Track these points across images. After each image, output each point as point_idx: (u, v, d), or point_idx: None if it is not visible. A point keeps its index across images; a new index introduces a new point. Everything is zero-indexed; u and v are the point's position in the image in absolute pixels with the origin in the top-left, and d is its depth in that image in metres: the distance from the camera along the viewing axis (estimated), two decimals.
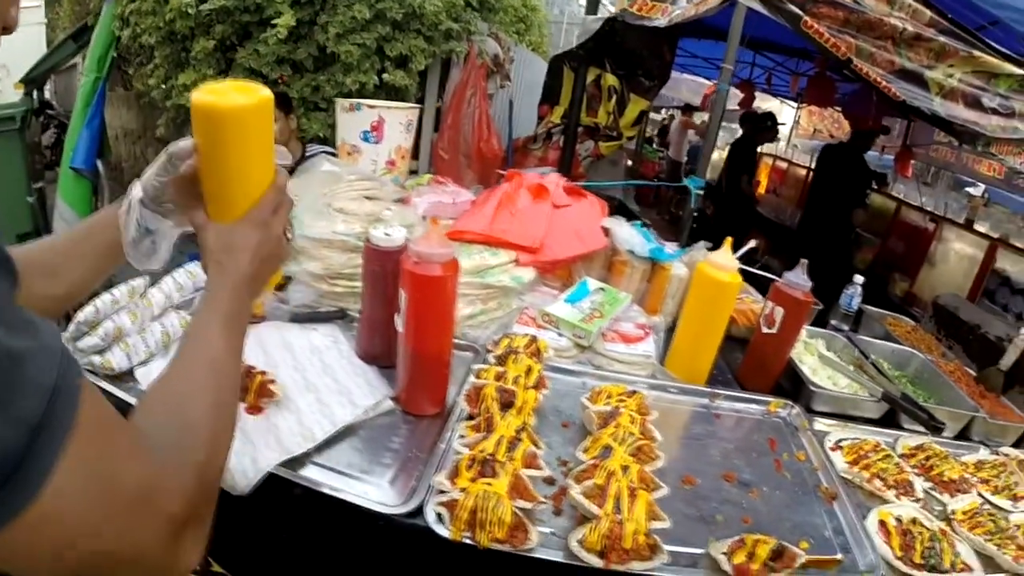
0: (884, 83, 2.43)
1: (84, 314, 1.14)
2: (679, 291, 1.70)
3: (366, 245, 1.21)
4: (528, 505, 0.89)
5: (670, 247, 1.78)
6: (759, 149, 5.61)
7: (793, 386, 1.53)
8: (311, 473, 1.01)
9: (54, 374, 0.43)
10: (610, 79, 3.69)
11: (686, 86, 7.60)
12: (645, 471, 0.99)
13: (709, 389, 1.43)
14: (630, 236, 1.71)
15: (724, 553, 0.90)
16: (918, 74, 2.46)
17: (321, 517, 1.00)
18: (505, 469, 0.92)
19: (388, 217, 1.24)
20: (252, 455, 0.99)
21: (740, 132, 5.35)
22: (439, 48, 3.21)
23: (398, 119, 1.88)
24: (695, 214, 2.64)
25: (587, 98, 3.68)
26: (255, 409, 1.09)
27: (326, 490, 0.97)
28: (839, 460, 1.29)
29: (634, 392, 1.23)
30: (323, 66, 3.17)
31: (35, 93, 4.07)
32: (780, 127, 5.62)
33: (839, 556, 0.98)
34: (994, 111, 2.53)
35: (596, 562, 0.85)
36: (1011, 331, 2.07)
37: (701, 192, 2.39)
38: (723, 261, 1.38)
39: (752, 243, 1.54)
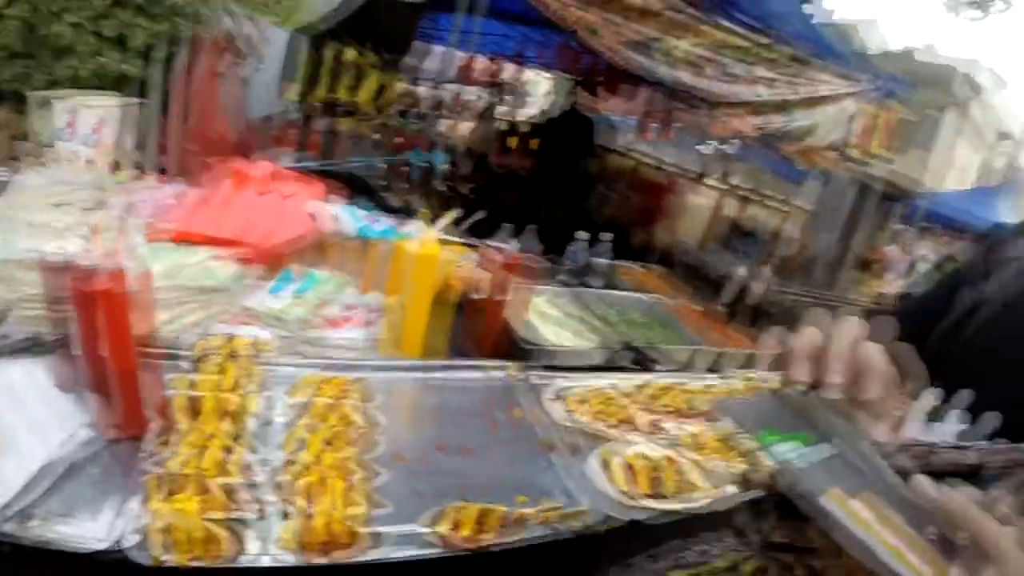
0: (609, 53, 2.64)
1: None
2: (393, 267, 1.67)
3: (41, 263, 1.10)
4: (221, 515, 0.89)
5: (386, 223, 1.79)
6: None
7: (514, 346, 1.61)
8: (12, 527, 0.91)
9: None
10: (350, 53, 3.63)
11: (440, 59, 7.65)
12: (340, 457, 1.01)
13: (422, 362, 1.45)
14: (336, 216, 1.70)
15: (428, 527, 0.94)
16: (645, 44, 2.71)
17: (41, 570, 0.95)
18: (192, 482, 0.91)
19: (76, 226, 1.13)
20: None
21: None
22: (163, 27, 2.92)
23: (98, 113, 1.71)
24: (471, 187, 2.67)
25: (326, 74, 3.59)
26: None
27: (28, 543, 0.89)
28: (559, 410, 1.37)
29: (333, 378, 1.24)
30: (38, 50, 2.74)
31: None
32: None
33: (557, 503, 1.04)
34: (719, 78, 2.91)
35: (294, 560, 0.86)
36: (732, 269, 2.35)
37: (446, 166, 2.46)
38: (422, 233, 1.44)
39: (479, 214, 1.61)
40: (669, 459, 1.23)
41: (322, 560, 0.87)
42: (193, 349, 1.27)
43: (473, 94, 6.12)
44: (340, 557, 0.88)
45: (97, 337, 1.03)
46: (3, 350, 1.27)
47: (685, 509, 1.13)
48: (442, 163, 2.43)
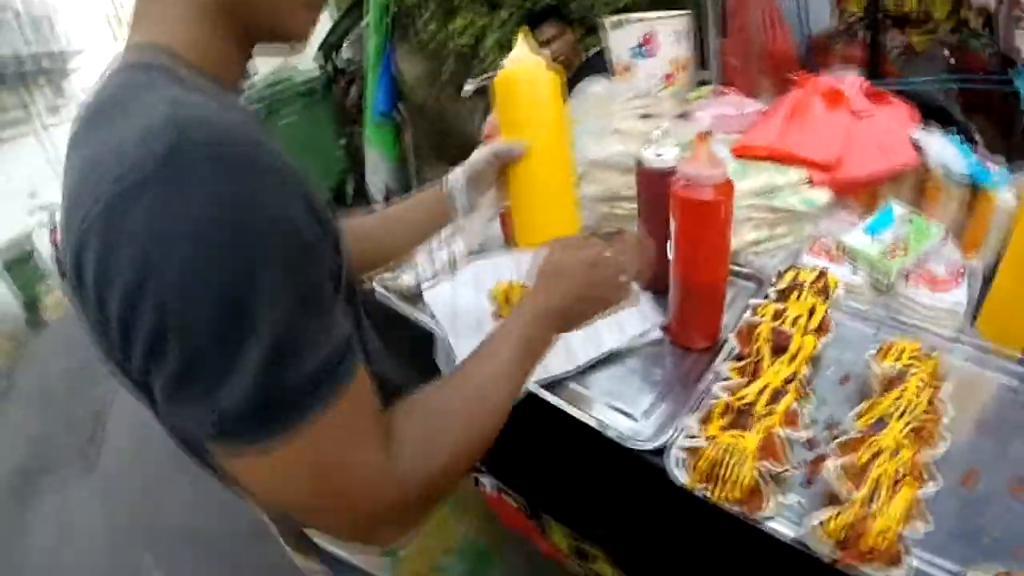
0: None
1: None
2: (1004, 226, 1.29)
3: (637, 167, 1.17)
4: (776, 469, 0.82)
5: (998, 168, 1.37)
6: None
7: None
8: (569, 396, 1.06)
9: (333, 353, 0.52)
10: None
11: None
12: (920, 457, 0.82)
13: None
14: (944, 150, 1.37)
15: None
16: None
17: (568, 438, 1.05)
18: (760, 424, 0.85)
19: (662, 135, 1.17)
20: None
21: None
22: None
23: (670, 29, 1.76)
24: None
25: None
26: None
27: (576, 414, 1.02)
28: None
29: (931, 353, 1.00)
30: None
31: (332, 60, 4.85)
32: None
33: None
34: None
35: (827, 554, 0.75)
36: None
37: None
38: None
39: None
40: None
41: (851, 566, 0.73)
42: (782, 278, 1.18)
43: None
44: (871, 572, 0.72)
45: (687, 245, 1.05)
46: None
47: None
48: None
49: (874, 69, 2.98)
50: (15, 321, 7.65)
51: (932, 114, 1.95)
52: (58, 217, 0.53)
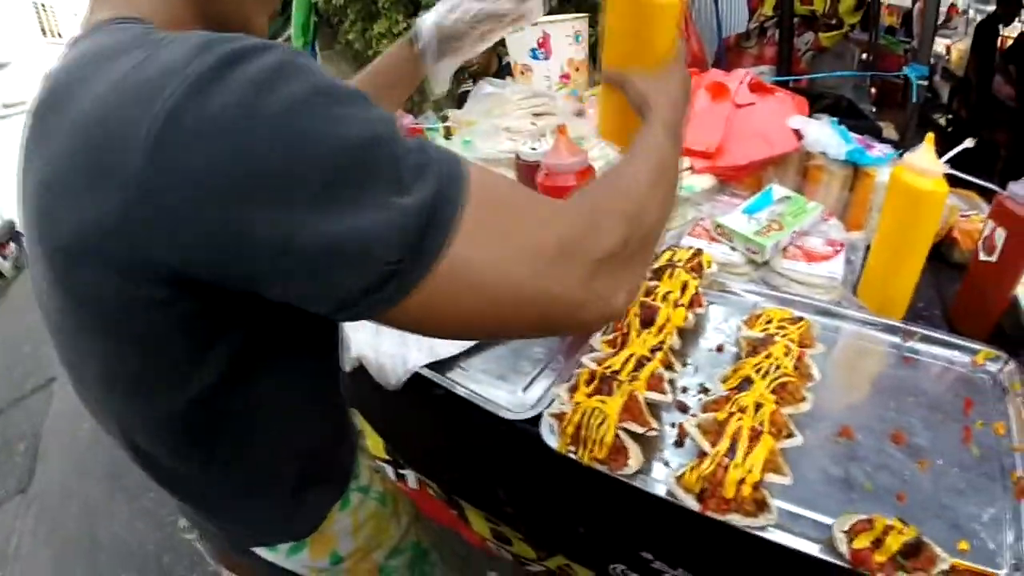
0: None
1: None
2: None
3: (515, 161, 1.23)
4: (638, 429, 0.86)
5: (880, 149, 1.46)
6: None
7: (1018, 334, 1.12)
8: (454, 376, 1.10)
9: (438, 159, 0.48)
10: None
11: None
12: (780, 413, 0.86)
13: (903, 325, 1.15)
14: (823, 136, 1.45)
15: (845, 532, 0.74)
16: None
17: (461, 417, 1.08)
18: (622, 389, 0.89)
19: (548, 131, 1.23)
20: (404, 356, 1.11)
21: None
22: None
23: (564, 32, 1.85)
24: (950, 117, 2.21)
25: None
26: None
27: (461, 391, 1.05)
28: None
29: (800, 319, 1.06)
30: None
31: None
32: None
33: (999, 573, 0.73)
34: None
35: (691, 504, 0.78)
36: None
37: (924, 82, 1.96)
38: (924, 164, 1.09)
39: (968, 142, 1.21)
40: None
41: (716, 516, 0.77)
42: (659, 258, 1.23)
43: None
44: (736, 521, 0.76)
45: None
46: None
47: None
48: (919, 78, 1.92)
49: (785, 67, 3.14)
50: None
51: (843, 108, 2.06)
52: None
